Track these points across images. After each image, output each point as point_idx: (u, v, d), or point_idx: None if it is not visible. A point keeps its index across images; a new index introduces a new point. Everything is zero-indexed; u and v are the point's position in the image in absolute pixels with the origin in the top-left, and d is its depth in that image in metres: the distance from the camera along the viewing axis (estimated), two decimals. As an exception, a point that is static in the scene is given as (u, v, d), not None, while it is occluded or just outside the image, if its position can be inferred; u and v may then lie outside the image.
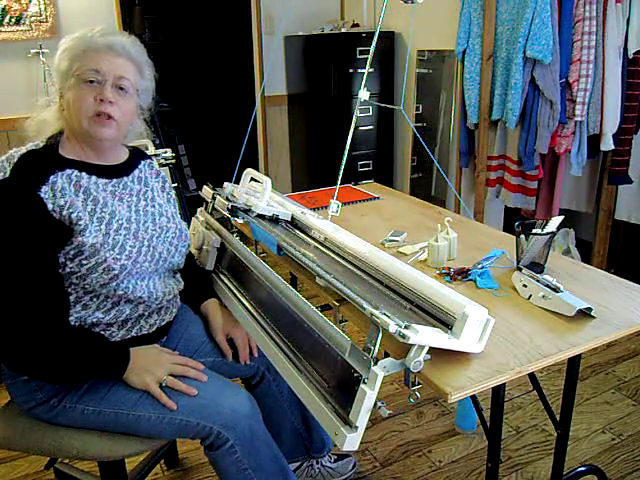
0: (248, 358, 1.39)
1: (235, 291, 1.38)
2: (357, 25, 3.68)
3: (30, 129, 1.19)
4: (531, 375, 1.39)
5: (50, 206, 1.06)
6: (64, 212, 1.07)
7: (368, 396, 0.87)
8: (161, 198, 1.31)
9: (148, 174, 1.30)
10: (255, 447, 1.19)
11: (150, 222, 1.23)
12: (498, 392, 1.14)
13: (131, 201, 1.22)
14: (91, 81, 1.11)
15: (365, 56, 3.42)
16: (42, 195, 1.05)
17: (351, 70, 3.45)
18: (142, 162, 1.31)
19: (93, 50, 1.13)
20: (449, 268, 1.29)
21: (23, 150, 1.10)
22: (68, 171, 1.11)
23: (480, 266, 1.28)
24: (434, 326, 0.94)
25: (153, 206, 1.26)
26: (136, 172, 1.27)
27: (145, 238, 1.19)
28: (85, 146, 1.17)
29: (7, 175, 1.05)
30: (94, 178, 1.16)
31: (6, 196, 1.05)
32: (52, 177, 1.08)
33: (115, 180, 1.21)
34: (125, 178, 1.23)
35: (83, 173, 1.14)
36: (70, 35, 1.16)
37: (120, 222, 1.15)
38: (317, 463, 1.62)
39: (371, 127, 3.58)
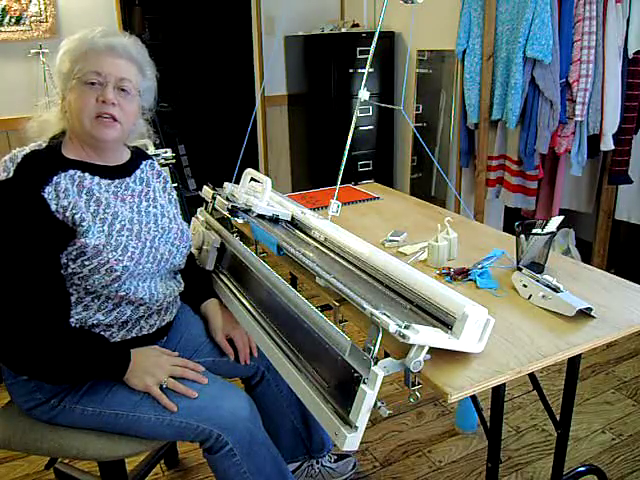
0: (248, 358, 1.39)
1: (235, 291, 1.38)
2: (357, 25, 3.68)
3: (31, 130, 1.19)
4: (531, 375, 1.39)
5: (53, 207, 1.06)
6: (67, 213, 1.07)
7: (368, 396, 0.87)
8: (163, 199, 1.31)
9: (150, 174, 1.30)
10: (254, 450, 1.18)
11: (152, 223, 1.22)
12: (498, 392, 1.14)
13: (133, 202, 1.22)
14: (92, 83, 1.11)
15: (365, 56, 3.42)
16: (46, 196, 1.05)
17: (351, 70, 3.45)
18: (143, 162, 1.31)
19: (94, 51, 1.13)
20: (449, 268, 1.29)
21: (26, 150, 1.10)
22: (71, 172, 1.11)
23: (480, 266, 1.28)
24: (434, 326, 0.94)
25: (155, 207, 1.26)
26: (138, 172, 1.27)
27: (147, 239, 1.19)
28: (87, 147, 1.17)
29: (11, 175, 1.05)
30: (97, 179, 1.16)
31: (10, 196, 1.04)
32: (55, 178, 1.08)
33: (117, 181, 1.20)
34: (127, 179, 1.23)
35: (86, 174, 1.14)
36: (71, 36, 1.16)
37: (123, 223, 1.15)
38: (317, 463, 1.62)
39: (371, 127, 3.58)
